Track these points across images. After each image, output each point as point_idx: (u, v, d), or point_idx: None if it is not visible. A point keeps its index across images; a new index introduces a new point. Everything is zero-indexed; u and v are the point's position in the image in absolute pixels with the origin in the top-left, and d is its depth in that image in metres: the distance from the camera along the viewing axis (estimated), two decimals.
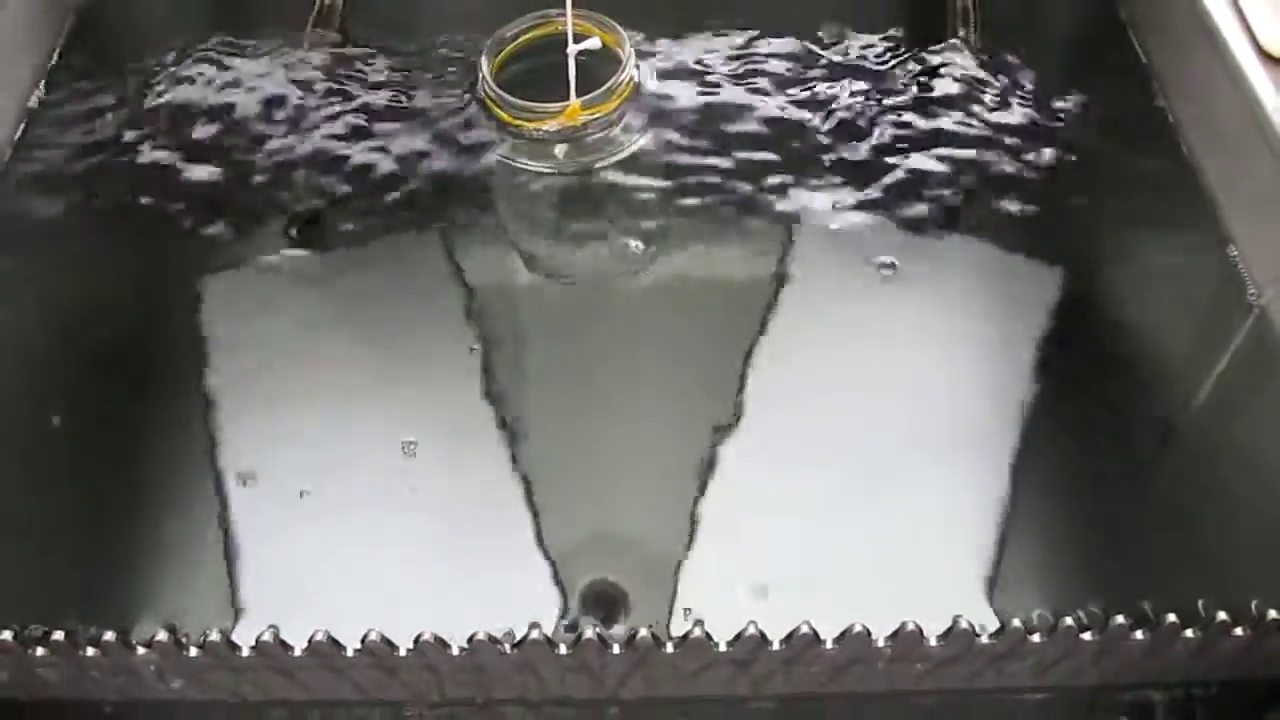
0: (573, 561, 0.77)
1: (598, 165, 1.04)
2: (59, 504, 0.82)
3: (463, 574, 0.78)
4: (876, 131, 1.05)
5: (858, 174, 1.02)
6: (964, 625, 0.62)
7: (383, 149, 1.05)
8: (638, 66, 1.09)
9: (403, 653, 0.63)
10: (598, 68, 1.06)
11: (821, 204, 1.00)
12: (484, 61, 1.09)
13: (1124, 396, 0.87)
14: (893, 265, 0.95)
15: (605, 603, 0.76)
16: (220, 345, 0.90)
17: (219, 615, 0.74)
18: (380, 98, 1.10)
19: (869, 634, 0.62)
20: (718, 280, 0.96)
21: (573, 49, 1.03)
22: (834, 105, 1.07)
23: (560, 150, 1.05)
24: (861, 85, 1.09)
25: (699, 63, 1.12)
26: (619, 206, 1.01)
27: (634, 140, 1.05)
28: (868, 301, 0.93)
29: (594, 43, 1.05)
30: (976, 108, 1.07)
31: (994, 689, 0.68)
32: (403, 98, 1.10)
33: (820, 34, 1.14)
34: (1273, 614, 0.63)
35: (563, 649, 0.63)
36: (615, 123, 1.06)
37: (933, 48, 1.12)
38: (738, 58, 1.12)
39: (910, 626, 0.62)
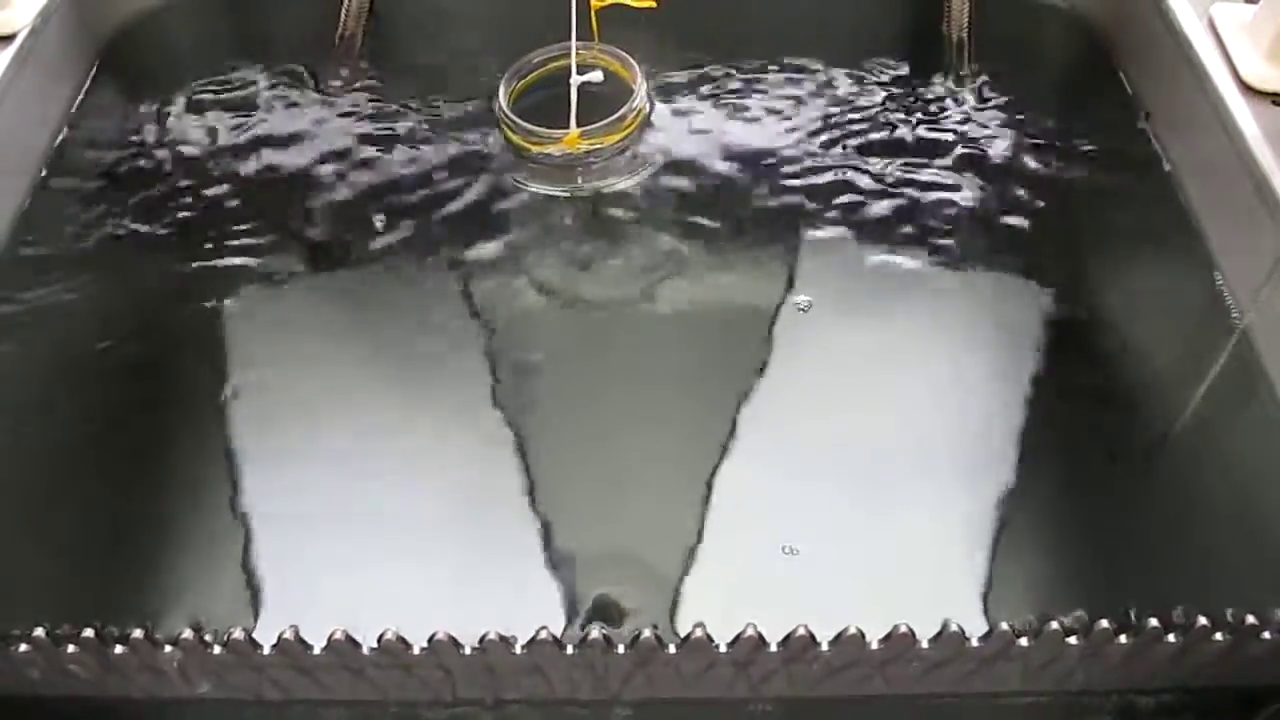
0: (580, 574, 0.80)
1: (606, 190, 1.07)
2: (85, 510, 0.85)
3: (474, 586, 0.80)
4: (873, 160, 1.09)
5: (858, 200, 1.05)
6: (954, 628, 0.64)
7: (400, 173, 1.09)
8: (650, 98, 1.13)
9: (417, 651, 0.65)
10: (617, 99, 1.10)
11: (824, 230, 1.03)
12: (502, 87, 1.13)
13: (1112, 412, 0.90)
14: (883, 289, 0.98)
15: (611, 613, 0.78)
16: (241, 361, 0.94)
17: (240, 619, 0.77)
18: (399, 123, 1.14)
19: (863, 636, 0.64)
20: (726, 301, 0.99)
21: (575, 80, 1.08)
22: (832, 133, 1.11)
23: (578, 175, 1.09)
24: (858, 116, 1.13)
25: (708, 94, 1.16)
26: (628, 230, 1.05)
27: (644, 169, 1.09)
28: (865, 322, 0.97)
29: (596, 75, 1.09)
30: (970, 137, 1.11)
31: (985, 692, 0.70)
32: (423, 123, 1.14)
33: (818, 67, 1.18)
34: (1250, 619, 0.64)
35: (569, 649, 0.65)
36: (625, 151, 1.10)
37: (929, 81, 1.17)
38: (743, 89, 1.16)
39: (903, 629, 0.64)
